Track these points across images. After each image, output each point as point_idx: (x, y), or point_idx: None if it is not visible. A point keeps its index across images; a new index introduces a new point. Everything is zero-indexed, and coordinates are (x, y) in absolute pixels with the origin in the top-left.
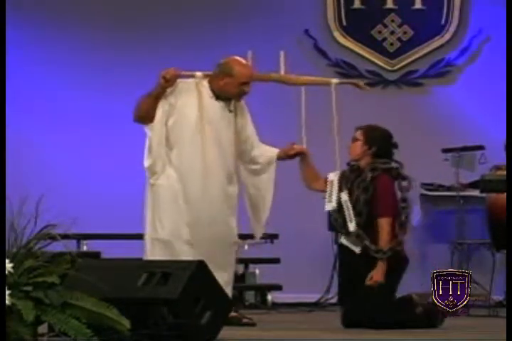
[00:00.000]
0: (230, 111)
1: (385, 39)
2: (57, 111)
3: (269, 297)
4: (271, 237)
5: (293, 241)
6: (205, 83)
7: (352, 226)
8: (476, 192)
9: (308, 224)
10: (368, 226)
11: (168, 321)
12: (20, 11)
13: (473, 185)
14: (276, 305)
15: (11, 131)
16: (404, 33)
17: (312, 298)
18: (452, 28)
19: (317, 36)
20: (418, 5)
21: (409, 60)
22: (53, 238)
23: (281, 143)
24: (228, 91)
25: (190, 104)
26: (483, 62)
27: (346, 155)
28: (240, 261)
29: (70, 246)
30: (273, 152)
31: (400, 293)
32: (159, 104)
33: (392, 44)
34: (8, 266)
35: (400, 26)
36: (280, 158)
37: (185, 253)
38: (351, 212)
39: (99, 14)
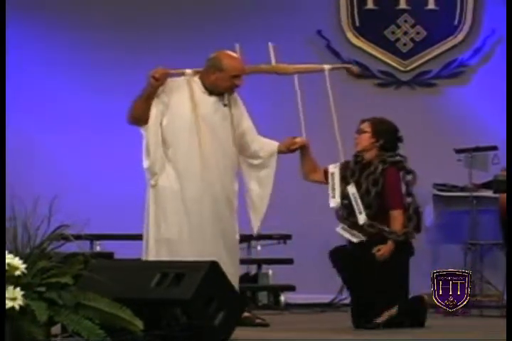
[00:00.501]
0: (225, 105)
1: (398, 39)
2: (67, 112)
3: (282, 297)
4: (284, 238)
5: (306, 242)
6: (197, 79)
7: (362, 219)
8: (489, 193)
9: (321, 225)
10: (377, 219)
11: (182, 322)
12: (20, 11)
13: (486, 186)
14: (289, 306)
15: (20, 133)
16: (417, 33)
17: (325, 298)
18: (465, 29)
19: (330, 37)
20: (431, 5)
21: (422, 60)
22: (66, 239)
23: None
24: (220, 86)
25: (183, 101)
26: (496, 63)
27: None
28: (252, 261)
29: (83, 246)
30: (273, 145)
31: (412, 293)
32: (152, 104)
33: (405, 44)
34: (22, 266)
35: (412, 27)
36: (281, 151)
37: (190, 253)
38: (360, 204)
39: (100, 14)
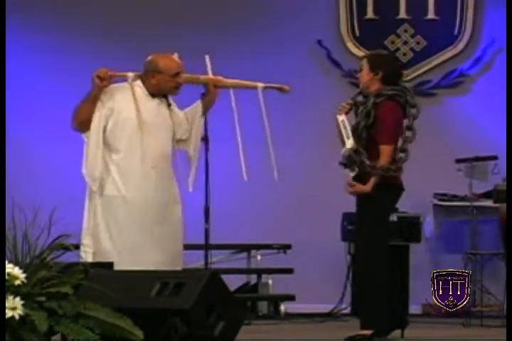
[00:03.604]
0: (169, 105)
1: (398, 49)
2: (68, 122)
3: (282, 307)
4: (284, 247)
5: (306, 252)
6: (139, 83)
7: (349, 143)
8: (489, 203)
9: (321, 235)
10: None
11: (181, 331)
12: (19, 16)
13: (486, 195)
14: (289, 316)
15: (21, 143)
16: (417, 43)
17: (325, 308)
18: (465, 39)
19: (330, 47)
20: (431, 15)
21: (422, 70)
22: (66, 248)
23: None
24: (163, 88)
25: (127, 106)
26: (496, 73)
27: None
28: (252, 271)
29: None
30: (195, 107)
31: (413, 302)
32: (95, 108)
33: (405, 54)
34: (22, 276)
35: (412, 36)
36: (207, 101)
37: (131, 263)
38: (349, 130)
39: (103, 20)
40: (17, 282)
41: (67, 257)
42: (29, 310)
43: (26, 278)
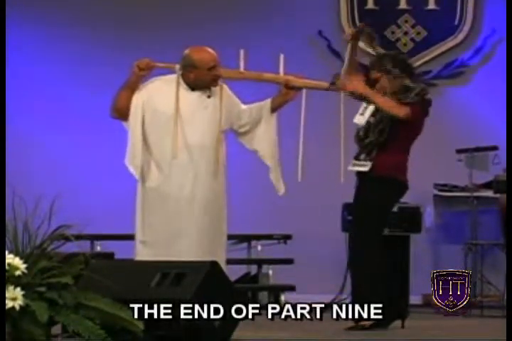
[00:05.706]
0: (209, 96)
1: (398, 40)
2: (67, 111)
3: (283, 297)
4: (284, 238)
5: (306, 242)
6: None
7: (357, 119)
8: (489, 193)
9: (321, 225)
10: (384, 145)
11: (182, 322)
12: (19, 7)
13: (486, 186)
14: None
15: (22, 133)
16: (418, 33)
17: (325, 298)
18: (466, 29)
19: (331, 37)
20: (431, 5)
21: (423, 60)
22: (67, 238)
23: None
24: (202, 82)
25: (165, 98)
26: (496, 63)
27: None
28: (253, 261)
29: (84, 246)
30: (264, 102)
31: (413, 292)
32: (134, 96)
33: (405, 45)
34: (22, 266)
35: (413, 27)
36: (276, 102)
37: (175, 255)
38: (369, 109)
39: (103, 13)
40: (17, 272)
41: (68, 247)
42: (29, 301)
43: (27, 268)
